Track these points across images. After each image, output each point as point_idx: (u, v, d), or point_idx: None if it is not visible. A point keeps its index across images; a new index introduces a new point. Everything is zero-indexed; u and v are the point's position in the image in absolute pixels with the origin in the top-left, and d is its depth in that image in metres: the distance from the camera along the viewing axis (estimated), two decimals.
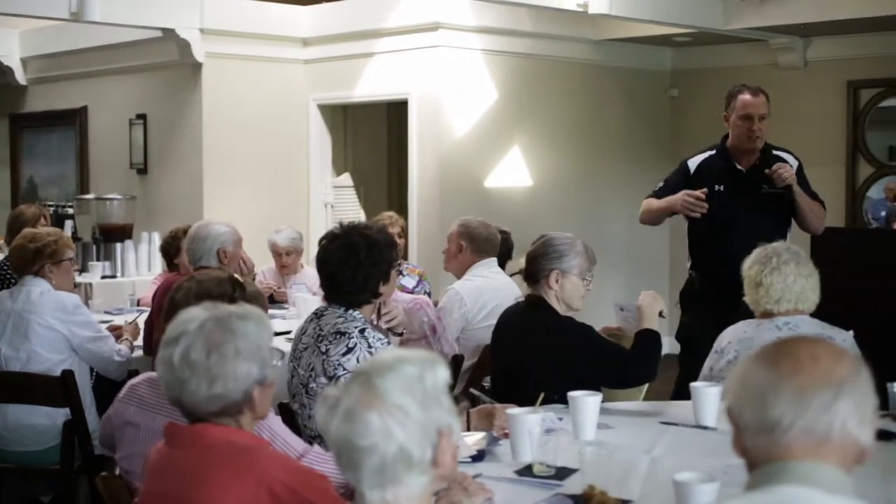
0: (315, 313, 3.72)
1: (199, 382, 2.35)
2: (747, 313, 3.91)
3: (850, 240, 5.60)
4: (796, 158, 5.24)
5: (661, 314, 4.00)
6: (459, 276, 5.39)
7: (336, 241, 3.66)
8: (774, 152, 5.20)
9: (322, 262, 3.67)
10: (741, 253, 3.95)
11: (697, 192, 5.06)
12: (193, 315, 2.42)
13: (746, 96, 5.12)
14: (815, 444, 1.71)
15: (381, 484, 1.93)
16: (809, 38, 8.80)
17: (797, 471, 1.71)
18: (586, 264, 3.99)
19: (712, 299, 4.93)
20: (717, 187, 5.15)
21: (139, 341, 5.22)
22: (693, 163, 5.30)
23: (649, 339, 3.90)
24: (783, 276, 3.75)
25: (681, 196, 5.10)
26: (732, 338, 3.91)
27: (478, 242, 5.34)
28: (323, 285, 3.72)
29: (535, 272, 3.99)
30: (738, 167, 5.18)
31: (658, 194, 5.33)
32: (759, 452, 1.76)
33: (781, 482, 1.70)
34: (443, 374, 2.01)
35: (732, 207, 5.08)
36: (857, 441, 1.73)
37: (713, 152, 5.29)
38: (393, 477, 1.93)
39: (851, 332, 3.84)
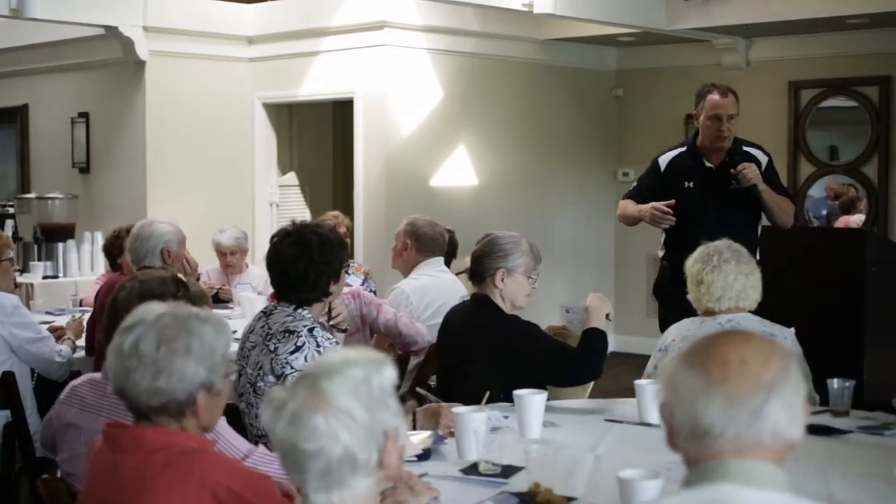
0: (264, 311, 3.70)
1: (143, 373, 2.32)
2: None
3: (792, 238, 5.65)
4: (766, 154, 5.30)
5: (608, 317, 4.02)
6: (406, 274, 5.39)
7: (289, 237, 3.65)
8: (745, 148, 5.25)
9: (274, 260, 3.65)
10: None
11: (663, 206, 5.12)
12: (154, 308, 2.40)
13: (715, 97, 5.16)
14: (747, 448, 1.74)
15: (327, 486, 1.92)
16: (752, 38, 8.90)
17: (731, 469, 1.73)
18: (532, 263, 4.00)
19: (682, 289, 4.99)
20: (686, 184, 5.22)
21: (81, 341, 5.16)
22: (664, 160, 5.35)
23: (596, 337, 3.92)
24: (724, 275, 3.79)
25: (648, 208, 5.17)
26: (676, 335, 3.94)
27: (422, 241, 5.33)
28: (274, 283, 3.70)
29: (480, 271, 3.99)
30: (708, 164, 5.23)
31: (632, 194, 5.40)
32: (692, 454, 1.79)
33: (716, 480, 1.72)
34: (389, 375, 2.00)
35: (702, 204, 5.14)
36: (788, 438, 1.76)
37: (683, 149, 5.34)
38: (338, 479, 1.92)
39: (793, 329, 3.87)
